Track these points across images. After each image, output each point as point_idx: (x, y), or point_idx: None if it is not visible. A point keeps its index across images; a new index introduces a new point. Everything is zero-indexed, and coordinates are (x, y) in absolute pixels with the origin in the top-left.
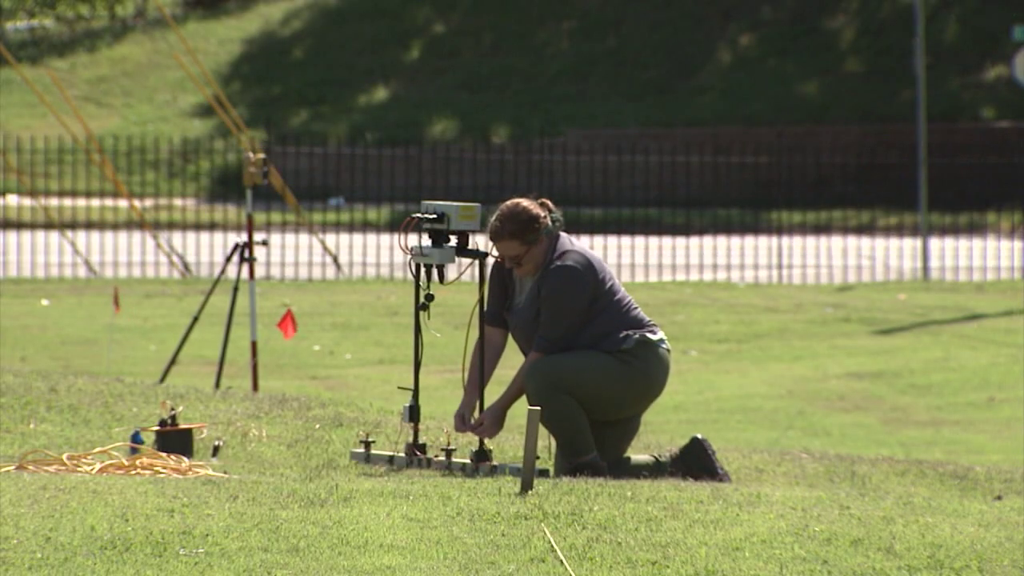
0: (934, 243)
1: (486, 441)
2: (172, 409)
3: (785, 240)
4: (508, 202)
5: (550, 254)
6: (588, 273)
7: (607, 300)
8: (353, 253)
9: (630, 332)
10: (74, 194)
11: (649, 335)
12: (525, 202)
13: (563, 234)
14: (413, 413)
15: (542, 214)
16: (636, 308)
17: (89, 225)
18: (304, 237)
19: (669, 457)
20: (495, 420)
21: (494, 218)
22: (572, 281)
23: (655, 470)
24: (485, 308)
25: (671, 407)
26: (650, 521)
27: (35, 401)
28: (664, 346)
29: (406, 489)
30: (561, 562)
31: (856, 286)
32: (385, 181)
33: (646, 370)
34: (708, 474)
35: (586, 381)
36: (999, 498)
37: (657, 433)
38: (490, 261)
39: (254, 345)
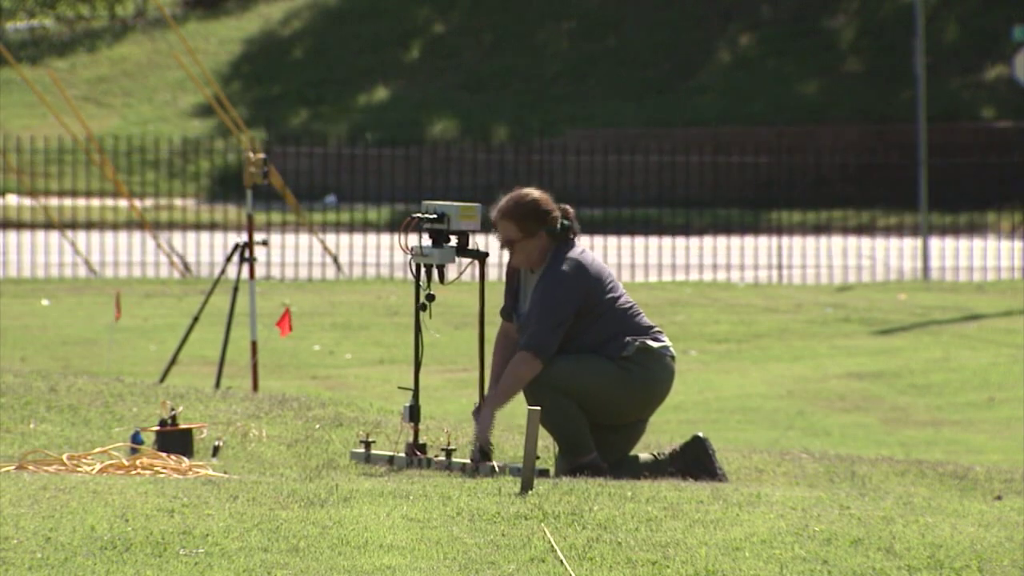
0: (934, 243)
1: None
2: (172, 409)
3: (785, 240)
4: (522, 189)
5: (552, 256)
6: (578, 279)
7: (607, 306)
8: (353, 253)
9: (631, 339)
10: (74, 194)
11: (651, 342)
12: (537, 194)
13: (578, 243)
14: (413, 413)
15: (550, 210)
16: (640, 314)
17: (89, 225)
18: (304, 237)
19: (669, 454)
20: (485, 426)
21: (504, 198)
22: (559, 286)
23: (655, 468)
24: (501, 306)
25: (671, 407)
26: (650, 521)
27: (35, 401)
28: (668, 353)
29: (406, 489)
30: (561, 562)
31: (856, 286)
32: (385, 181)
33: (646, 377)
34: (707, 474)
35: (584, 384)
36: (999, 498)
37: (657, 433)
38: (493, 262)
39: (254, 345)
